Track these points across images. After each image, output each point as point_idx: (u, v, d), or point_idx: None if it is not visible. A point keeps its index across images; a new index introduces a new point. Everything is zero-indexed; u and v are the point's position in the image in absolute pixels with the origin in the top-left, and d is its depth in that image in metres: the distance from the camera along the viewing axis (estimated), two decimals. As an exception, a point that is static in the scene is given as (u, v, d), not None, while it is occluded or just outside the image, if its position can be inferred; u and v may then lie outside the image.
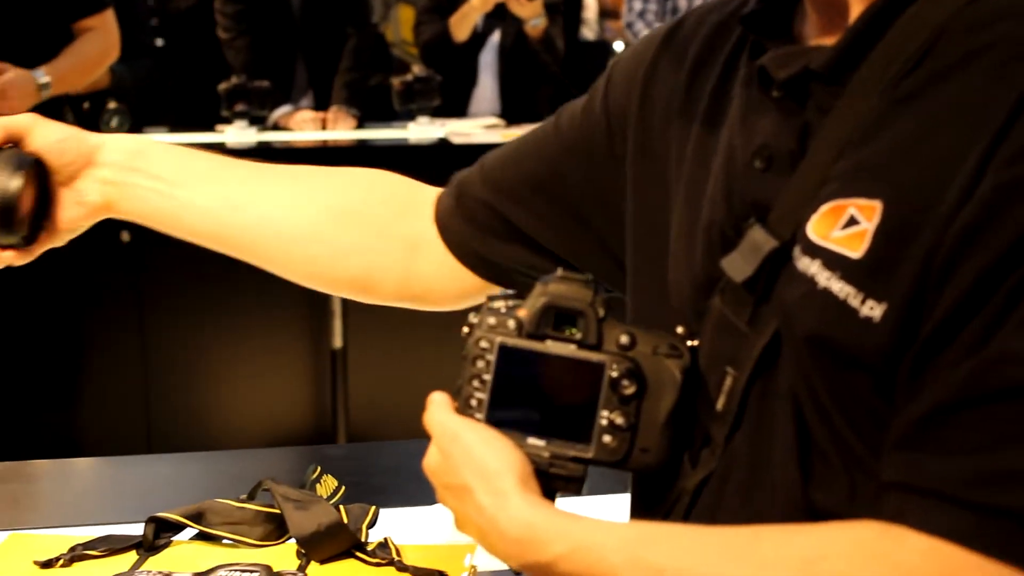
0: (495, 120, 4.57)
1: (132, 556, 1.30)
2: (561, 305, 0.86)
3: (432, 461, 0.89)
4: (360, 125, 4.51)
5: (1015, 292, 0.71)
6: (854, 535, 0.75)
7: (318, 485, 1.42)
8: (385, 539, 1.33)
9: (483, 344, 0.87)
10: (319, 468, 1.44)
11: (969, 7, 0.78)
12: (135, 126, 4.33)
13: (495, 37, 4.73)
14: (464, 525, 0.88)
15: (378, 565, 1.29)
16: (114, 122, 4.26)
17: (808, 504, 0.80)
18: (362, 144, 4.33)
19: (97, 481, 1.65)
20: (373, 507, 1.36)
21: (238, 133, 4.25)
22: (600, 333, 0.86)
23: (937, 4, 0.79)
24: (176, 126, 4.57)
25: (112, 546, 1.31)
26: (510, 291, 0.91)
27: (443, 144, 4.11)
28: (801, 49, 0.88)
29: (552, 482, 0.86)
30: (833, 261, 0.78)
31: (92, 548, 1.30)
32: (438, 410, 0.89)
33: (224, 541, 1.33)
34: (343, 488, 1.42)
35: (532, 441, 0.86)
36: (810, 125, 0.84)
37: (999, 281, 0.71)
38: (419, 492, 1.39)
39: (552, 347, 0.86)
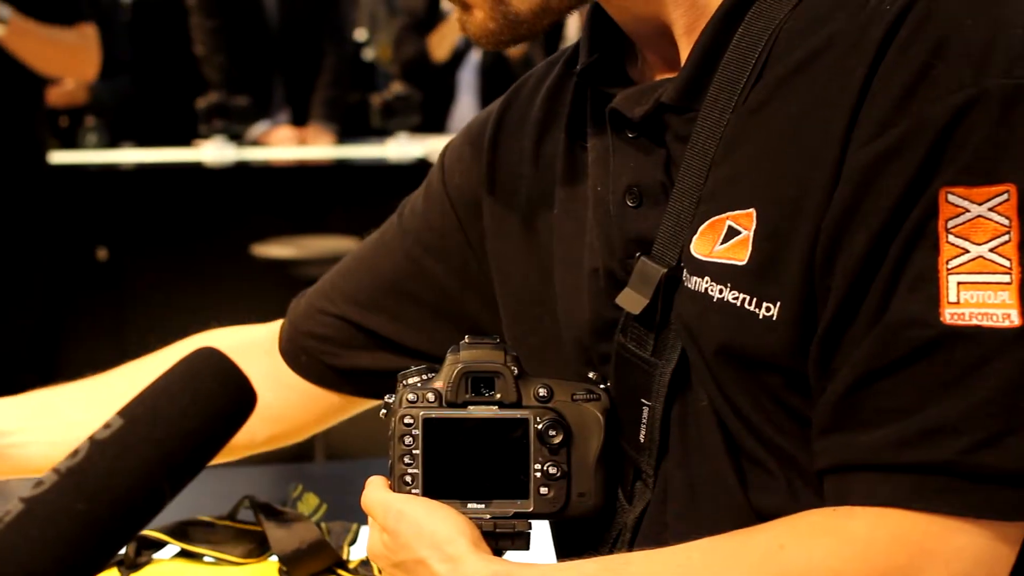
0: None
1: (114, 574, 1.29)
2: (476, 370, 0.88)
3: (377, 544, 0.88)
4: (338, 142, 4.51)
5: (900, 259, 0.74)
6: (805, 522, 0.77)
7: (300, 503, 1.42)
8: (367, 557, 1.33)
9: (407, 421, 0.88)
10: (300, 486, 1.43)
11: (796, 9, 0.81)
12: (112, 143, 4.32)
13: (475, 55, 4.75)
14: None
15: (360, 583, 1.29)
16: (91, 139, 4.25)
17: (753, 511, 0.82)
18: (340, 163, 4.33)
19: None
20: (355, 525, 1.36)
21: (216, 150, 4.24)
22: (518, 390, 0.88)
23: (763, 15, 0.82)
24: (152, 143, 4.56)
25: (93, 564, 1.30)
26: (418, 367, 0.92)
27: (422, 164, 4.11)
28: (649, 86, 0.90)
29: (499, 542, 0.87)
30: (722, 274, 0.81)
31: (72, 566, 1.30)
32: (376, 491, 0.88)
33: (206, 559, 1.33)
34: (324, 506, 1.41)
35: (472, 506, 0.87)
36: (672, 155, 0.86)
37: (883, 252, 0.74)
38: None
39: (475, 411, 0.88)
